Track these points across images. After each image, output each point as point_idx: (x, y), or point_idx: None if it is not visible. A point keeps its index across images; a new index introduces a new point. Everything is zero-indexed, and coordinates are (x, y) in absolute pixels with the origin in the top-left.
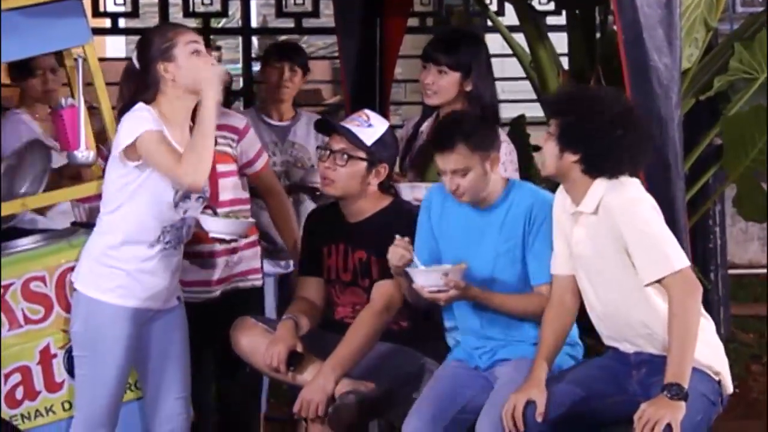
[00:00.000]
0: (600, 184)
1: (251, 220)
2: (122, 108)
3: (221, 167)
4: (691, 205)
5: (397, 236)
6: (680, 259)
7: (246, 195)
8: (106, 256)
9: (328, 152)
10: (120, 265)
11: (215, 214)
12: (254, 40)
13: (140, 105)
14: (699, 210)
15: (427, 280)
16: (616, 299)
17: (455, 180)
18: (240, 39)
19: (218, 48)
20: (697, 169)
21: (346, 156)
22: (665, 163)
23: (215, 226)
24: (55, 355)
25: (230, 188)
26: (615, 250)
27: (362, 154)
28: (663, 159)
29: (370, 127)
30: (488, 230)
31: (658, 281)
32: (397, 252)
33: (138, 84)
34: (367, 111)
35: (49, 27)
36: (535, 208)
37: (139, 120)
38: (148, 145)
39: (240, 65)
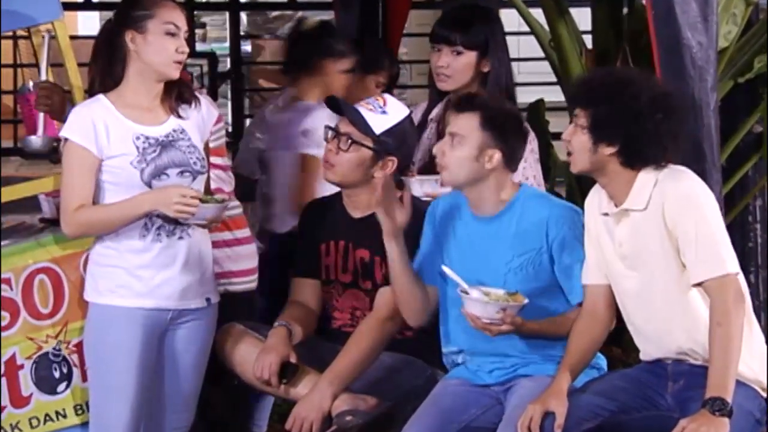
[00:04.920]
0: (648, 176)
1: (221, 204)
2: (90, 92)
3: (216, 160)
4: (729, 199)
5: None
6: (733, 264)
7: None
8: (102, 255)
9: (334, 134)
10: (116, 263)
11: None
12: (243, 15)
13: (96, 96)
14: (737, 205)
15: (482, 312)
16: (658, 305)
17: (444, 146)
18: (227, 15)
19: (203, 25)
20: (736, 160)
21: (349, 141)
22: (700, 153)
23: None
24: (21, 366)
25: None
26: (663, 248)
27: (368, 142)
28: (697, 148)
29: (384, 114)
30: (496, 242)
31: (703, 284)
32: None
33: (107, 60)
34: (387, 96)
35: (15, 1)
36: (552, 221)
37: (73, 120)
38: (65, 156)
39: (227, 44)
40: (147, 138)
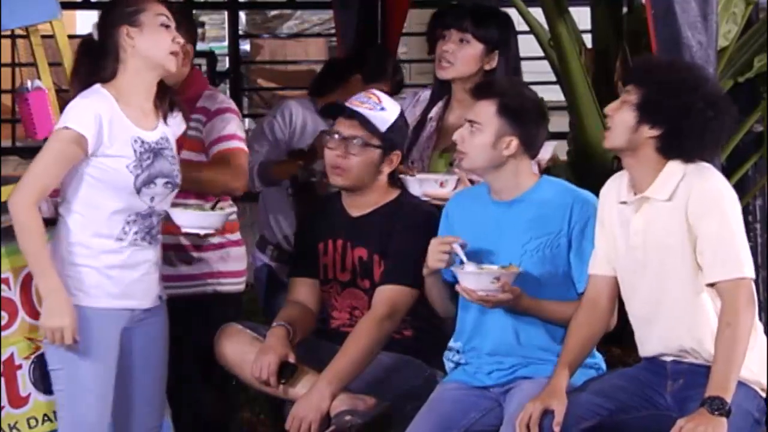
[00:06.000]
0: (676, 168)
1: (228, 211)
2: (78, 91)
3: (189, 155)
4: None
5: (442, 236)
6: (749, 267)
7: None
8: (73, 254)
9: (337, 138)
10: (88, 263)
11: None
12: (242, 15)
13: (96, 87)
14: None
15: (476, 283)
16: (666, 301)
17: (464, 132)
18: (226, 14)
19: (202, 24)
20: (736, 159)
21: (360, 143)
22: (712, 160)
23: (186, 219)
24: (19, 366)
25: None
26: (681, 243)
27: (376, 141)
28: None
29: (383, 110)
30: (514, 225)
31: (716, 284)
32: (438, 256)
33: (97, 57)
34: (376, 92)
35: (14, 0)
36: (576, 207)
37: (78, 109)
38: (52, 139)
39: (226, 43)
40: (143, 142)
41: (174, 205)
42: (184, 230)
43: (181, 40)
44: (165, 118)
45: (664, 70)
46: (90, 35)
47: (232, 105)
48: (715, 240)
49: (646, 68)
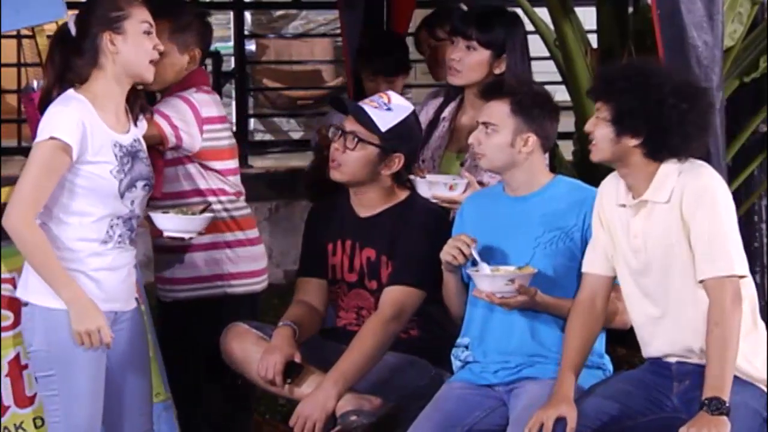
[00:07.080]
0: (670, 169)
1: (209, 215)
2: (48, 88)
3: (215, 165)
4: (734, 199)
5: (460, 234)
6: (741, 266)
7: (191, 187)
8: (60, 259)
9: (339, 132)
10: (75, 266)
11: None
12: (247, 14)
13: (70, 93)
14: (743, 205)
15: (491, 286)
16: (670, 301)
17: (480, 135)
18: (231, 14)
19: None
20: (741, 159)
21: (356, 139)
22: (705, 153)
23: (169, 223)
24: (25, 366)
25: (172, 179)
26: (680, 242)
27: (374, 140)
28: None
29: (389, 111)
30: (528, 218)
31: (704, 281)
32: (450, 250)
33: (72, 56)
34: (391, 93)
35: (19, 1)
36: (591, 204)
37: (60, 117)
38: (38, 150)
39: (231, 43)
40: (121, 146)
41: (154, 208)
42: (166, 234)
43: (161, 47)
44: (135, 121)
45: (626, 78)
46: (67, 25)
47: (192, 98)
48: (705, 237)
49: (607, 81)
